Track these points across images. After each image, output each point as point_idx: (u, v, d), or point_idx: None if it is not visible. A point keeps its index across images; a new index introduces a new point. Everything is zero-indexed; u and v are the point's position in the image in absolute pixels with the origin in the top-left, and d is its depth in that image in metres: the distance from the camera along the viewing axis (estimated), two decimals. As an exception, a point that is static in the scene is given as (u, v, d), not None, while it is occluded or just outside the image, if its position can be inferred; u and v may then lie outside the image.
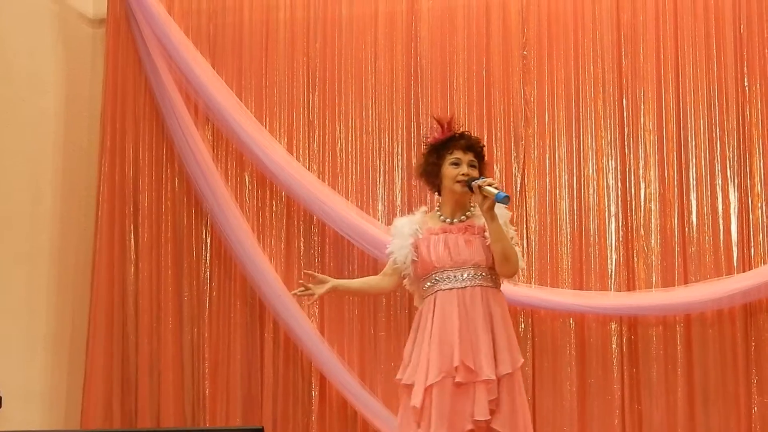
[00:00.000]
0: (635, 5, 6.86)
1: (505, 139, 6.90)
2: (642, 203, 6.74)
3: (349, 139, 7.03)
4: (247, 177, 7.06)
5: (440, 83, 6.98)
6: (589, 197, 6.78)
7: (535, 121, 6.88)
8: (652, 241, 6.70)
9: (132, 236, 7.10)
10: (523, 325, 6.75)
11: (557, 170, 6.84)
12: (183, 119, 7.01)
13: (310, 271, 5.50)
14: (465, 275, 5.07)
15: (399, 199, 6.95)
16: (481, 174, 5.18)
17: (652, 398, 6.60)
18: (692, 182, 6.69)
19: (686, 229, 6.67)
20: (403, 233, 5.26)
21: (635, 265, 6.71)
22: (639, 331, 6.67)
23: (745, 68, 6.74)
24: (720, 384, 6.54)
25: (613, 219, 6.75)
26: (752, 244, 6.64)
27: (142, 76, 7.16)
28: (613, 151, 6.80)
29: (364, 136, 7.03)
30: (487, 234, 5.09)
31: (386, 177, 6.98)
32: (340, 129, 7.04)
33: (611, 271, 6.72)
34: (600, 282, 6.72)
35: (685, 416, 6.53)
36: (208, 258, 7.08)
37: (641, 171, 6.76)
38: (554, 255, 6.77)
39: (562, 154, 6.84)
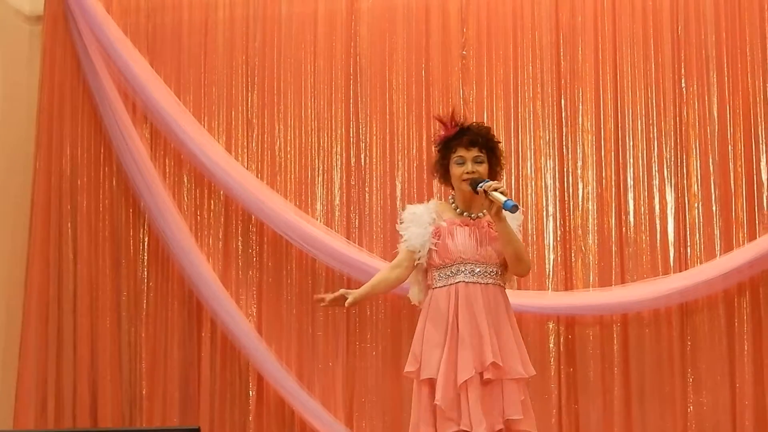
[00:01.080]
0: (574, 6, 6.89)
1: (444, 139, 6.90)
2: (580, 203, 6.77)
3: (288, 138, 7.02)
4: (185, 176, 7.05)
5: (379, 82, 6.98)
6: (527, 197, 6.80)
7: (474, 121, 6.87)
8: (590, 241, 6.73)
9: (69, 235, 7.04)
10: (461, 325, 6.75)
11: (496, 170, 6.84)
12: (121, 118, 6.98)
13: (322, 296, 5.30)
14: (488, 271, 4.94)
15: (338, 199, 6.94)
16: (491, 166, 5.03)
17: (588, 397, 6.63)
18: (630, 182, 6.73)
19: (624, 228, 6.70)
20: (422, 220, 5.03)
21: (573, 264, 6.74)
22: (576, 331, 6.69)
23: (683, 70, 6.79)
24: (656, 383, 6.58)
25: (551, 219, 6.78)
26: (689, 244, 6.68)
27: (80, 74, 7.14)
28: (551, 151, 6.83)
29: (303, 135, 7.02)
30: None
31: (325, 176, 6.97)
32: (279, 128, 7.03)
33: (549, 271, 6.74)
34: (538, 281, 6.74)
35: (621, 415, 6.56)
36: (146, 257, 7.05)
37: (579, 171, 6.79)
38: (492, 254, 6.77)
39: (501, 153, 6.85)
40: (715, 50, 6.76)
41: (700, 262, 6.64)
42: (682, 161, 6.74)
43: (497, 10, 6.95)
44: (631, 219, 6.71)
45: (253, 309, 6.90)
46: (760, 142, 6.69)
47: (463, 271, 4.94)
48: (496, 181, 4.89)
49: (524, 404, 4.89)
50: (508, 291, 5.07)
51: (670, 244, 6.69)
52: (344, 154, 6.97)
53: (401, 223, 5.10)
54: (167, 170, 7.04)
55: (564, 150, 6.83)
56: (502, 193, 4.79)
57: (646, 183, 6.74)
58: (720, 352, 6.58)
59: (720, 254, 6.64)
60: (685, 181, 6.72)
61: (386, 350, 6.81)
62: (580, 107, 6.82)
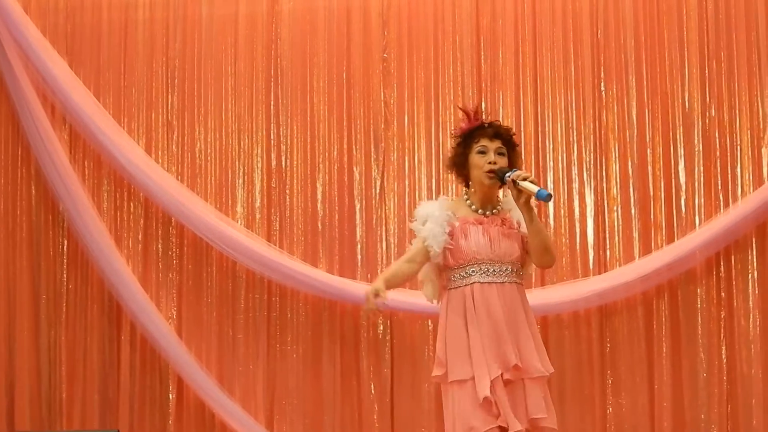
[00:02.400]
0: (494, 9, 6.91)
1: (364, 142, 6.91)
2: (500, 206, 6.78)
3: (209, 140, 6.99)
4: (104, 178, 6.98)
5: (300, 85, 6.97)
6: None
7: (395, 124, 6.91)
8: (510, 244, 6.74)
9: (-13, 238, 6.99)
10: (382, 327, 6.78)
11: (417, 173, 6.87)
12: (39, 120, 6.90)
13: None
14: (504, 270, 4.80)
15: (258, 201, 6.92)
16: (511, 164, 4.87)
17: (509, 399, 6.64)
18: (549, 185, 6.75)
19: (543, 231, 6.73)
20: (438, 218, 4.85)
21: (493, 267, 6.74)
22: (496, 334, 6.70)
23: (602, 73, 6.83)
24: (576, 385, 6.63)
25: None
26: (608, 247, 6.73)
27: (-2, 76, 7.07)
28: (472, 154, 6.83)
29: (224, 137, 6.99)
30: (522, 228, 4.83)
31: (246, 179, 6.94)
32: (199, 130, 7.00)
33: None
34: (459, 284, 6.74)
35: (541, 417, 6.58)
36: (66, 260, 6.98)
37: (492, 177, 6.80)
38: (414, 257, 6.78)
39: (422, 156, 6.88)
40: (634, 54, 6.81)
41: (620, 265, 6.70)
42: (601, 164, 6.78)
43: (418, 13, 6.96)
44: (551, 221, 6.74)
45: (173, 312, 6.87)
46: (679, 145, 6.75)
47: (477, 272, 4.80)
48: (523, 171, 4.76)
49: (546, 401, 4.78)
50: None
51: (589, 247, 6.74)
52: (265, 157, 6.95)
53: (415, 220, 4.92)
54: (86, 172, 6.97)
55: (485, 153, 6.84)
56: (532, 182, 4.66)
57: (565, 186, 6.78)
58: (639, 353, 6.64)
59: (639, 257, 6.70)
60: (604, 184, 6.77)
61: (307, 353, 6.80)
62: (501, 110, 6.85)
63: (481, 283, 4.79)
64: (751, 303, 6.62)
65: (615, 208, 6.74)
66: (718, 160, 6.73)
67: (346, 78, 6.95)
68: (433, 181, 6.84)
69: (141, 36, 7.07)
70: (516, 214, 4.85)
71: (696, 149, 6.74)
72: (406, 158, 6.88)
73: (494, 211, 4.89)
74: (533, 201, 4.70)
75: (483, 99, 6.85)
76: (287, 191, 6.91)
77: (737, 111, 6.73)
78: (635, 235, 6.71)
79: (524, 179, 4.67)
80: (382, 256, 6.81)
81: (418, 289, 6.56)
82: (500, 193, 4.95)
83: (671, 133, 6.76)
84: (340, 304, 6.80)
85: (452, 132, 5.17)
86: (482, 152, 4.85)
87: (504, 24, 6.90)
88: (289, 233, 6.88)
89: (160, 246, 6.94)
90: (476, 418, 4.68)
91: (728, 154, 6.73)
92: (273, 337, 6.84)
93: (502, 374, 4.68)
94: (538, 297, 6.60)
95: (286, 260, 6.77)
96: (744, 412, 6.56)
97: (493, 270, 4.80)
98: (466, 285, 4.81)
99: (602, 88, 6.82)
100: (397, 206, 6.85)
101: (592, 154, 6.78)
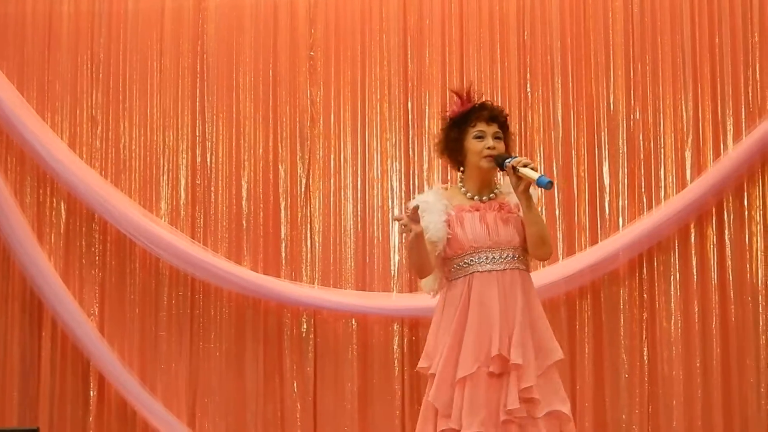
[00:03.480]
0: (422, 9, 6.91)
1: (290, 140, 6.89)
2: (426, 206, 6.78)
3: (134, 135, 6.93)
4: (27, 173, 6.90)
5: (226, 82, 6.93)
6: (373, 199, 6.82)
7: (321, 122, 6.89)
8: (436, 243, 6.74)
9: None
10: (305, 326, 6.76)
11: (342, 171, 6.86)
12: (-41, 114, 6.83)
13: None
14: (504, 257, 4.63)
15: (183, 198, 6.87)
16: (507, 147, 4.76)
17: (432, 399, 6.65)
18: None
19: (465, 231, 6.74)
20: (436, 208, 4.69)
21: (418, 266, 6.75)
22: (421, 333, 6.69)
23: (528, 74, 6.86)
24: (498, 385, 6.63)
25: (396, 221, 6.78)
26: (532, 247, 6.74)
27: None
28: (398, 153, 6.84)
29: (149, 133, 6.93)
30: (521, 213, 4.66)
31: (170, 175, 6.90)
32: (123, 125, 6.93)
33: (394, 273, 6.76)
34: (383, 283, 6.76)
35: (463, 416, 6.60)
36: (-14, 255, 6.92)
37: (425, 174, 6.82)
38: (338, 256, 6.79)
39: (348, 155, 6.87)
40: (560, 56, 6.84)
41: (543, 266, 6.68)
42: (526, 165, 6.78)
43: (345, 12, 6.94)
44: (476, 222, 6.74)
45: (96, 308, 6.81)
46: (603, 147, 6.79)
47: (478, 261, 4.65)
48: (524, 157, 4.62)
49: (552, 393, 4.59)
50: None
51: (513, 246, 6.75)
52: (190, 153, 6.90)
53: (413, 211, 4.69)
54: (8, 167, 6.88)
55: (410, 152, 6.85)
56: (532, 169, 4.52)
57: (490, 186, 6.78)
58: (562, 354, 6.67)
59: (562, 258, 6.73)
60: (528, 185, 6.78)
61: (230, 351, 6.77)
62: (427, 110, 6.85)
63: (481, 272, 4.65)
64: (673, 305, 6.68)
65: (539, 209, 6.73)
66: (642, 163, 6.77)
67: (272, 75, 6.92)
68: (359, 179, 6.83)
69: (66, 29, 6.99)
70: (514, 198, 4.68)
71: (620, 151, 6.78)
72: (332, 156, 6.87)
73: (491, 196, 4.75)
74: (533, 189, 4.60)
75: (409, 99, 6.85)
76: (212, 188, 6.87)
77: (661, 114, 6.78)
78: (559, 236, 6.74)
79: (525, 165, 4.54)
80: (307, 254, 6.79)
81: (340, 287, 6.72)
82: (498, 176, 4.82)
83: (596, 135, 6.80)
84: (264, 302, 6.77)
85: (444, 115, 4.96)
86: (480, 137, 4.72)
87: (431, 24, 6.90)
88: (214, 230, 6.84)
89: (83, 242, 6.88)
90: (427, 421, 4.64)
91: (652, 156, 6.77)
92: (196, 335, 6.81)
93: (488, 368, 4.54)
94: (462, 297, 6.62)
95: (210, 258, 6.74)
96: (665, 412, 6.61)
97: (493, 257, 4.65)
98: (465, 275, 4.67)
99: (528, 90, 6.84)
100: (322, 204, 6.83)
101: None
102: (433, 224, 4.68)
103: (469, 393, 4.54)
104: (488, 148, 4.69)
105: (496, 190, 4.77)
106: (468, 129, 4.75)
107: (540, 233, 4.65)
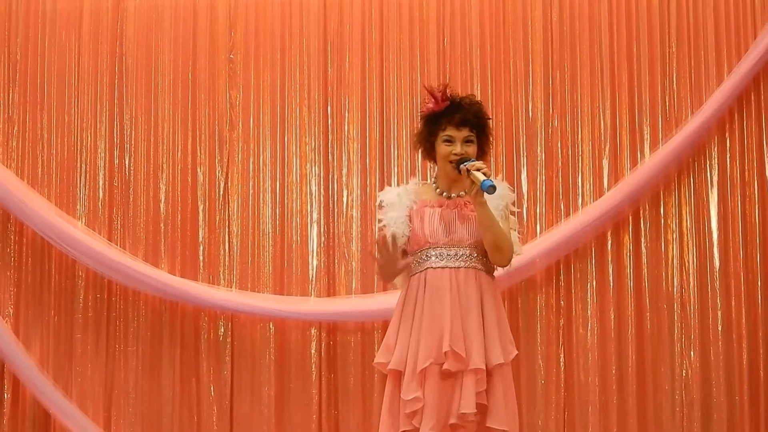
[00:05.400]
0: (342, 14, 6.91)
1: (209, 143, 6.86)
2: (344, 210, 6.80)
3: (51, 136, 6.88)
4: (-59, 174, 6.85)
5: (145, 83, 6.90)
6: (292, 203, 6.81)
7: (240, 126, 6.87)
8: (353, 248, 6.76)
9: None
10: (222, 330, 6.74)
11: (261, 175, 6.84)
12: None
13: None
14: (460, 254, 4.63)
15: (101, 200, 6.84)
16: (480, 148, 4.75)
17: (349, 404, 6.67)
18: (394, 191, 6.75)
19: (387, 236, 6.74)
20: (399, 203, 4.75)
21: (336, 271, 6.76)
22: (338, 337, 6.73)
23: (448, 81, 6.82)
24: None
25: (315, 225, 6.80)
26: (455, 253, 6.76)
27: None
28: (317, 157, 6.84)
29: (67, 133, 6.88)
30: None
31: (88, 176, 6.85)
32: (41, 126, 6.89)
33: (312, 277, 6.76)
34: (301, 287, 6.75)
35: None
36: None
37: (344, 178, 6.82)
38: (256, 259, 6.78)
39: (266, 159, 6.85)
40: (479, 63, 6.85)
41: (461, 271, 6.73)
42: (445, 170, 6.81)
43: (265, 15, 6.92)
44: (394, 227, 6.75)
45: (11, 309, 6.77)
46: (522, 154, 6.82)
47: (433, 256, 4.65)
48: (480, 162, 4.61)
49: (500, 397, 4.57)
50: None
51: (432, 253, 6.76)
52: (108, 155, 6.87)
53: (380, 207, 4.80)
54: (-77, 168, 6.84)
55: (330, 157, 6.85)
56: (484, 174, 4.51)
57: (409, 192, 6.79)
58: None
59: (480, 264, 6.74)
60: (447, 191, 6.80)
61: (146, 353, 6.74)
62: (347, 115, 6.85)
63: (434, 268, 4.65)
64: (589, 312, 6.72)
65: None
66: (560, 170, 6.80)
67: (191, 78, 6.89)
68: (278, 183, 6.82)
69: (-19, 29, 6.96)
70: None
71: (538, 159, 6.81)
72: (251, 160, 6.85)
73: (461, 194, 4.74)
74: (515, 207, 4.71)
75: (329, 103, 6.86)
76: (130, 190, 6.84)
77: (579, 122, 6.82)
78: (476, 242, 6.75)
79: (478, 170, 4.54)
80: (225, 257, 6.78)
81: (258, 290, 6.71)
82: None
83: (514, 143, 6.82)
84: (181, 305, 6.76)
85: (419, 111, 4.95)
86: (449, 141, 4.71)
87: (351, 28, 6.90)
88: (132, 233, 6.81)
89: (-2, 244, 6.85)
90: (391, 417, 4.63)
91: (570, 164, 6.81)
92: (112, 338, 6.77)
93: (441, 365, 4.52)
94: (380, 301, 6.63)
95: (128, 260, 6.71)
96: (580, 419, 6.66)
97: (448, 254, 4.65)
98: (422, 270, 4.68)
99: (448, 95, 6.82)
100: (240, 208, 6.81)
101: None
102: (394, 220, 4.73)
103: (427, 390, 4.54)
104: (454, 153, 4.69)
105: (465, 190, 4.74)
106: (438, 132, 4.75)
107: (493, 239, 4.62)
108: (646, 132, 6.81)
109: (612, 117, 6.81)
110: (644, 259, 6.74)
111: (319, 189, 6.81)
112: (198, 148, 6.86)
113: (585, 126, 6.82)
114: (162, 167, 6.85)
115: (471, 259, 4.66)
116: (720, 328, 6.68)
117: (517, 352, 4.75)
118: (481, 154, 4.79)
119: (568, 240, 6.70)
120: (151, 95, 6.89)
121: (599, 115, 6.82)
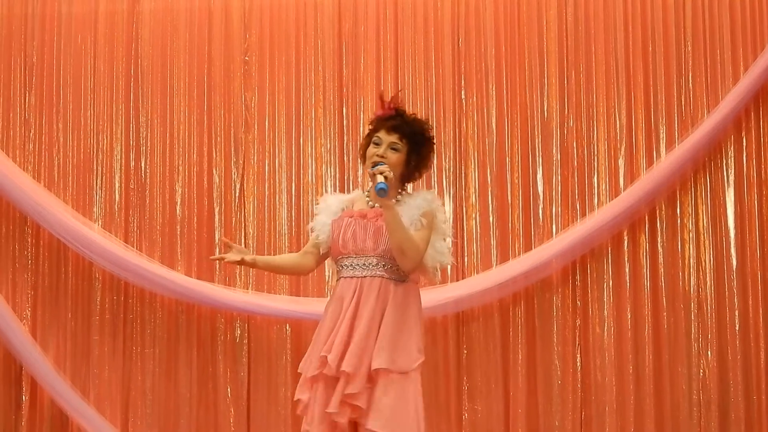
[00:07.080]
0: (357, 15, 6.91)
1: (225, 144, 6.89)
2: (360, 211, 6.79)
3: (67, 139, 6.91)
4: (-42, 177, 6.88)
5: (161, 86, 6.92)
6: (307, 204, 6.81)
7: (255, 127, 6.89)
8: (369, 249, 6.75)
9: None
10: (239, 331, 6.75)
11: (276, 176, 6.85)
12: None
13: (226, 240, 4.92)
14: (367, 264, 4.66)
15: (117, 202, 6.86)
16: (408, 162, 4.74)
17: (363, 404, 6.66)
18: (408, 191, 6.74)
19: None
20: (330, 210, 4.82)
21: (342, 273, 6.76)
22: (354, 338, 6.71)
23: (463, 81, 6.86)
24: (432, 390, 6.61)
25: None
26: (466, 254, 6.76)
27: None
28: (332, 158, 6.85)
29: (83, 136, 6.92)
30: (412, 223, 4.66)
31: (104, 179, 6.88)
32: (57, 129, 6.91)
33: (328, 278, 6.75)
34: (317, 289, 6.76)
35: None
36: None
37: (360, 179, 6.81)
38: (272, 261, 6.78)
39: (282, 160, 6.86)
40: (495, 63, 6.85)
41: (477, 272, 6.73)
42: (460, 172, 6.81)
43: (280, 17, 6.94)
44: (410, 228, 6.75)
45: (28, 312, 6.80)
46: (537, 154, 6.81)
47: (345, 266, 4.72)
48: (386, 166, 4.58)
49: (384, 401, 4.55)
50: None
51: (447, 254, 6.76)
52: (124, 158, 6.89)
53: (316, 214, 4.88)
54: (-60, 172, 6.87)
55: (345, 158, 6.85)
56: (385, 177, 4.51)
57: (424, 192, 6.79)
58: (495, 360, 6.69)
59: (496, 264, 6.75)
60: (463, 192, 6.80)
61: (163, 355, 6.77)
62: (361, 116, 6.85)
63: (344, 277, 4.72)
64: (605, 311, 6.70)
65: (473, 215, 6.78)
66: (576, 170, 6.79)
67: (206, 80, 6.92)
68: (293, 184, 6.83)
69: (-2, 32, 6.99)
70: (403, 210, 4.68)
71: (554, 159, 6.80)
72: (266, 162, 6.86)
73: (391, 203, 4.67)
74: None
75: (344, 104, 6.86)
76: (146, 193, 6.86)
77: (595, 122, 6.81)
78: (493, 242, 6.76)
79: (381, 173, 4.55)
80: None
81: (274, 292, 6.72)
82: (409, 187, 4.86)
83: (530, 142, 6.82)
84: (198, 307, 6.77)
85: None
86: (376, 144, 4.72)
87: (366, 29, 6.90)
88: (148, 235, 6.84)
89: (15, 246, 6.86)
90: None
91: (585, 164, 6.80)
92: (129, 340, 6.80)
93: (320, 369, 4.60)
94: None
95: (144, 262, 6.73)
96: (597, 419, 6.64)
97: (357, 264, 4.69)
98: (338, 279, 4.77)
99: (462, 96, 6.85)
100: (256, 210, 6.83)
101: (451, 161, 6.81)
102: (318, 225, 4.84)
103: (317, 394, 4.62)
104: (377, 155, 4.70)
105: (398, 197, 4.77)
106: (373, 135, 4.78)
107: (397, 243, 4.61)
108: (662, 131, 6.79)
109: (627, 116, 6.79)
110: (661, 259, 6.73)
111: (335, 190, 6.80)
112: (213, 150, 6.87)
113: (601, 126, 6.80)
114: (178, 169, 6.87)
115: (377, 268, 4.68)
116: (737, 328, 6.66)
117: (421, 359, 4.68)
118: (409, 170, 4.78)
119: (585, 240, 6.69)
120: (167, 98, 6.92)
121: (615, 115, 6.80)
